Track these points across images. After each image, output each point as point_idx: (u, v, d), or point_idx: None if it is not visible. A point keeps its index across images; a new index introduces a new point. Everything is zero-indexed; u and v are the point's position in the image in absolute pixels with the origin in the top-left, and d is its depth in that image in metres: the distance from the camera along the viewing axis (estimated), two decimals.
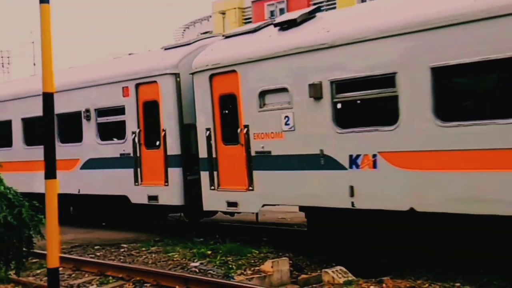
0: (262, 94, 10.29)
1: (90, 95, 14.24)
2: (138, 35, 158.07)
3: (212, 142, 11.18)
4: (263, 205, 10.72)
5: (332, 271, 8.46)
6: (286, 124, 9.88)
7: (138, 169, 12.99)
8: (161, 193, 12.51)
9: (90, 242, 12.74)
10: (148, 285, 8.86)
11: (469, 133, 7.61)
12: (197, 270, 9.61)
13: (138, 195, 13.03)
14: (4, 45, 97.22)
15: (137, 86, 12.86)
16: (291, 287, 8.92)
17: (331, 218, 9.69)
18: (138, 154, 13.00)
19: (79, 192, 14.36)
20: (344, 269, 8.49)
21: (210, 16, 49.44)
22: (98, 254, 11.56)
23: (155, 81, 12.44)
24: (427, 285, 7.64)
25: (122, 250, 11.82)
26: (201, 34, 17.23)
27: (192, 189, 11.95)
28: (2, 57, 57.58)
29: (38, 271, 9.87)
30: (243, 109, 10.63)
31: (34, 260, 9.96)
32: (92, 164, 14.18)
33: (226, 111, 11.22)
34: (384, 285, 7.68)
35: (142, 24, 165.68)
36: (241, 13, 41.18)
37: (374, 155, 8.54)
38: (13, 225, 5.21)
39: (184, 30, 56.88)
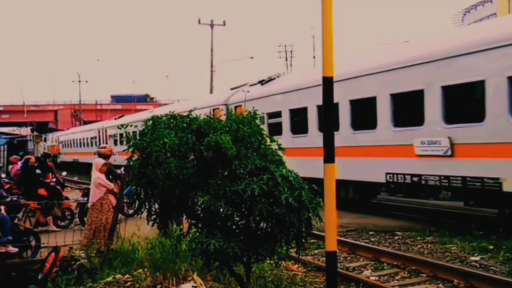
0: None
1: None
2: (414, 20, 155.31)
3: None
4: None
5: None
6: None
7: None
8: None
9: (365, 227, 12.89)
10: (423, 275, 8.55)
11: None
12: (478, 265, 8.98)
13: None
14: (287, 40, 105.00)
15: (214, 110, 21.94)
16: None
17: None
18: None
19: None
20: None
21: None
22: (372, 239, 11.60)
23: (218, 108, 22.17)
24: None
25: (396, 237, 11.67)
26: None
27: None
28: (286, 51, 61.96)
29: (316, 251, 10.33)
30: None
31: (312, 241, 10.46)
32: None
33: None
34: None
35: (418, 9, 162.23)
36: None
37: None
38: (294, 206, 5.42)
39: (464, 14, 53.89)
